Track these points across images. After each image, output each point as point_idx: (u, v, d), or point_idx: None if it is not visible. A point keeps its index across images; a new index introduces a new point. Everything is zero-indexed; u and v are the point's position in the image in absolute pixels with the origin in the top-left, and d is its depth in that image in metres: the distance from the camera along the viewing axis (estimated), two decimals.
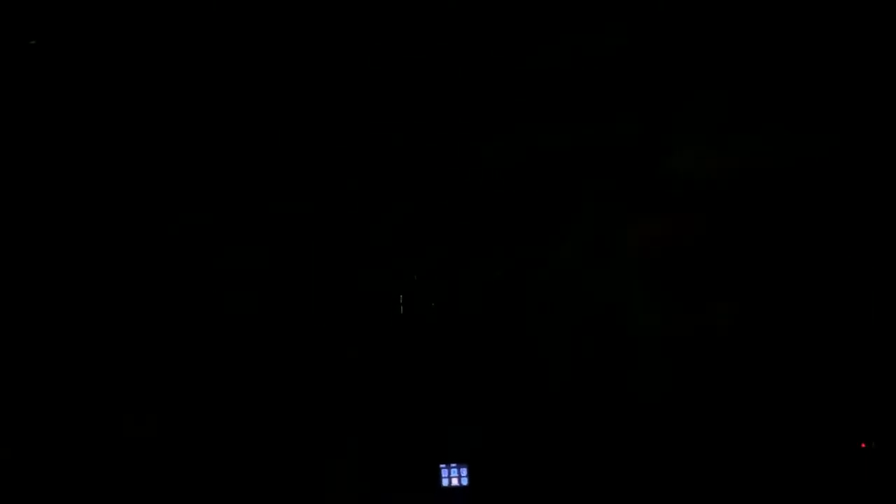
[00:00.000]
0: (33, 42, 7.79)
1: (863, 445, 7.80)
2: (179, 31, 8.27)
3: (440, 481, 8.70)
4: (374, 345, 8.53)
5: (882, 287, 8.03)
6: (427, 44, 8.42)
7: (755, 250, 8.29)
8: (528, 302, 8.40)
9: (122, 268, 8.38)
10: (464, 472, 8.70)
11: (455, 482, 8.70)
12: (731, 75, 8.38)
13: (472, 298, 8.46)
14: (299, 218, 8.43)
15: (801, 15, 8.32)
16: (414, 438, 8.61)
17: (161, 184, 8.41)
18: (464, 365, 8.57)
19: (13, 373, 7.98)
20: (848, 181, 8.29)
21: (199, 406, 8.36)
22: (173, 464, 8.19)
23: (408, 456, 8.62)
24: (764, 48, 8.46)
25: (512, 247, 8.49)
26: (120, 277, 8.39)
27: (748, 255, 8.26)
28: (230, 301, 8.31)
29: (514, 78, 8.43)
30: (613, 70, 8.47)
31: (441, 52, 8.38)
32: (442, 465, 8.70)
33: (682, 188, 8.45)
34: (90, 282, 8.28)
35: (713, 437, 7.99)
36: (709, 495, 7.93)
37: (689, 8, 8.37)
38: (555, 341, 8.34)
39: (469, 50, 8.42)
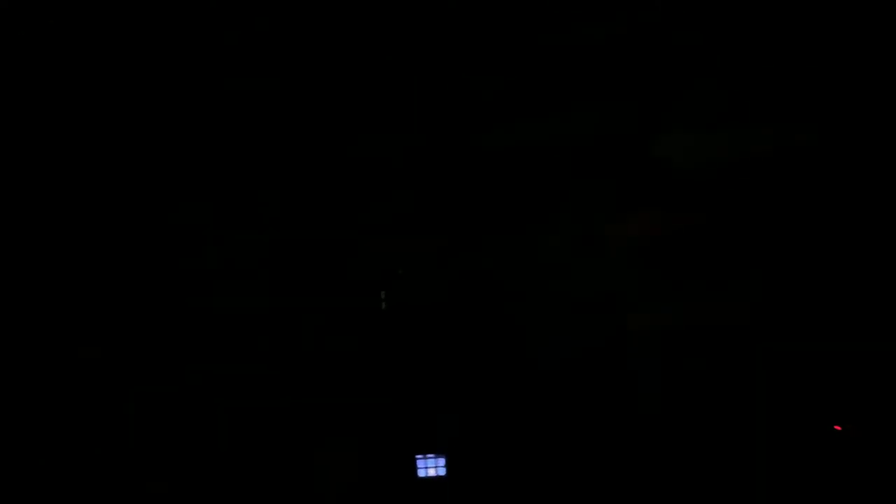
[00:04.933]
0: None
1: (837, 428, 7.81)
2: None
3: (416, 472, 8.55)
4: (358, 335, 8.35)
5: (864, 278, 7.95)
6: (419, 36, 8.15)
7: (746, 242, 8.17)
8: (516, 292, 8.22)
9: None
10: (441, 462, 8.55)
11: (432, 473, 8.54)
12: (721, 69, 8.18)
13: (459, 288, 8.28)
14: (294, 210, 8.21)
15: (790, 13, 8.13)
16: (393, 428, 8.46)
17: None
18: (446, 355, 8.39)
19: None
20: (835, 173, 8.17)
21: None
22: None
23: (385, 447, 8.46)
24: (755, 41, 8.28)
25: (501, 237, 8.29)
26: None
27: (739, 247, 8.13)
28: (220, 296, 8.13)
29: (505, 71, 8.19)
30: (603, 63, 8.24)
31: (435, 46, 8.11)
32: (418, 456, 8.54)
33: (671, 180, 8.25)
34: None
35: (703, 433, 7.90)
36: (699, 487, 7.88)
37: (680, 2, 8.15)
38: (542, 331, 8.18)
39: (463, 43, 8.15)
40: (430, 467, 8.59)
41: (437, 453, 8.57)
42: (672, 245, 8.24)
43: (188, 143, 8.16)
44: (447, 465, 8.56)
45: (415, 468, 8.55)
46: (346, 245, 8.36)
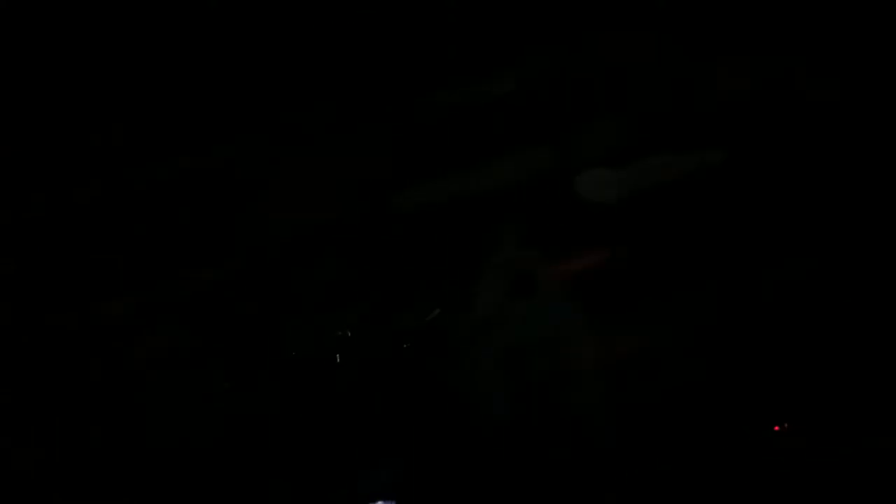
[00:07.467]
0: None
1: (776, 428, 8.06)
2: None
3: None
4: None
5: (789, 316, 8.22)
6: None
7: (678, 271, 8.38)
8: (454, 344, 8.38)
9: None
10: None
11: None
12: (624, 102, 8.41)
13: (396, 348, 8.43)
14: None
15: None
16: (334, 482, 8.56)
17: None
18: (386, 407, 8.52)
19: None
20: (748, 190, 8.46)
21: None
22: None
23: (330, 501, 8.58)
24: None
25: (432, 293, 8.43)
26: None
27: (673, 276, 8.34)
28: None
29: (418, 125, 8.34)
30: (505, 111, 8.45)
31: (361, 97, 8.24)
32: None
33: (596, 217, 8.45)
34: None
35: (657, 458, 8.11)
36: None
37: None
38: (486, 380, 8.36)
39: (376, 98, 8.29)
40: None
41: (385, 500, 8.68)
42: (607, 280, 8.43)
43: None
44: None
45: None
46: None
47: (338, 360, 8.34)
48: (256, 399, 8.26)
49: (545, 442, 8.19)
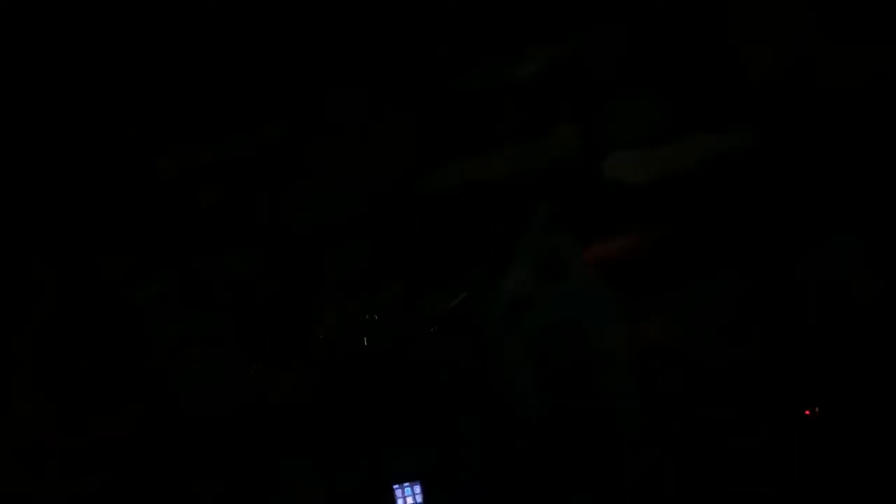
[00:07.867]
0: None
1: (807, 413, 8.14)
2: None
3: (395, 502, 8.67)
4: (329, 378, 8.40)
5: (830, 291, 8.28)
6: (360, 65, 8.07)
7: (707, 254, 8.39)
8: (483, 329, 8.34)
9: None
10: (417, 489, 8.69)
11: (410, 501, 8.68)
12: (652, 83, 8.34)
13: (429, 330, 8.36)
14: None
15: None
16: (362, 462, 8.56)
17: None
18: (415, 389, 8.49)
19: None
20: (778, 174, 8.45)
21: None
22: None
23: (358, 480, 8.56)
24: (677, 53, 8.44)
25: (461, 277, 8.35)
26: None
27: (701, 261, 8.36)
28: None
29: (443, 109, 8.19)
30: (535, 92, 8.33)
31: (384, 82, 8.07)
32: (395, 486, 8.66)
33: (625, 200, 8.39)
34: None
35: (684, 445, 8.16)
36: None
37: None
38: (514, 363, 8.34)
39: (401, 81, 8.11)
40: (408, 496, 8.72)
41: (412, 481, 8.69)
42: (636, 264, 8.40)
43: None
44: (423, 492, 8.70)
45: (394, 498, 8.67)
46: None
47: (366, 343, 8.24)
48: (284, 381, 8.15)
49: (571, 426, 8.19)
